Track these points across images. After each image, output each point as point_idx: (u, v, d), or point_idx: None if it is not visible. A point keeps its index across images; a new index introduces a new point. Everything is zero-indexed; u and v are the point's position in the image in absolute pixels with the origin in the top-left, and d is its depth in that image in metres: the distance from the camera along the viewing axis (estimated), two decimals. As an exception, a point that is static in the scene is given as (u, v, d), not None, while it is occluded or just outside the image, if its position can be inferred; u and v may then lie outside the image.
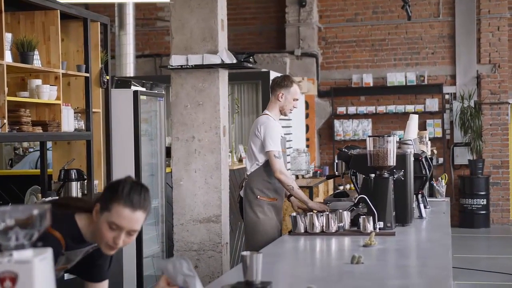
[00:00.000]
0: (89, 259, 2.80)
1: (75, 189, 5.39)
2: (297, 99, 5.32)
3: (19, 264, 1.71)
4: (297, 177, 10.47)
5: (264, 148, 5.12)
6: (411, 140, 5.18)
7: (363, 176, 4.57)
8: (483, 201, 12.19)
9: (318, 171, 11.20)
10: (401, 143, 5.11)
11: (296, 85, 5.31)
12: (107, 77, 5.91)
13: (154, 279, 6.67)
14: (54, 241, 2.56)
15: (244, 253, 2.76)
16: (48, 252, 1.78)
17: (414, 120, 5.60)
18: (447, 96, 12.68)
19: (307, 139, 12.37)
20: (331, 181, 11.32)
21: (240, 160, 8.26)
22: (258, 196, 5.19)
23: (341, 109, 12.90)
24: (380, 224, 4.28)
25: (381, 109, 12.73)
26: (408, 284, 2.98)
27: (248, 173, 5.29)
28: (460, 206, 12.36)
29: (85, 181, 5.56)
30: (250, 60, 5.94)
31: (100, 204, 2.59)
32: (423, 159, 5.06)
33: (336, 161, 5.18)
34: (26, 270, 1.71)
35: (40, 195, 5.42)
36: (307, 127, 12.41)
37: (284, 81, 5.30)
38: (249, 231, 5.25)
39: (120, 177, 2.66)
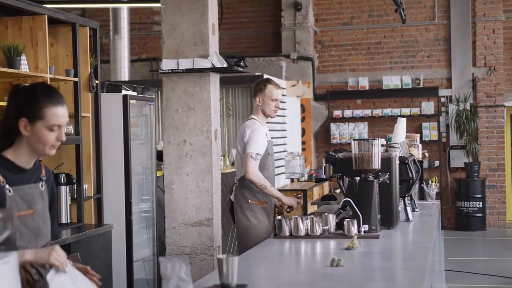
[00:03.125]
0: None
1: (64, 193, 5.40)
2: (275, 99, 5.38)
3: (-19, 267, 1.73)
4: (292, 180, 10.50)
5: None
6: (397, 143, 5.19)
7: (349, 179, 4.58)
8: (479, 204, 12.19)
9: (314, 175, 11.22)
10: (388, 146, 5.12)
11: (271, 86, 5.39)
12: (96, 82, 5.93)
13: (145, 283, 6.68)
14: None
15: (220, 256, 2.78)
16: (12, 256, 1.80)
17: (401, 124, 5.61)
18: (443, 99, 12.69)
19: (303, 143, 12.39)
20: (326, 184, 11.34)
21: (233, 164, 8.27)
22: (249, 200, 5.25)
23: (337, 113, 12.92)
24: (365, 227, 4.29)
25: (377, 112, 12.75)
26: (383, 286, 3.00)
27: (238, 178, 5.35)
28: (456, 209, 12.36)
29: (75, 185, 5.58)
30: (241, 64, 5.96)
31: (27, 119, 2.67)
32: (410, 162, 5.07)
33: (324, 164, 5.20)
34: (-12, 274, 1.73)
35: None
36: (303, 130, 12.44)
37: (258, 85, 5.42)
38: (241, 235, 5.29)
39: (23, 85, 2.78)
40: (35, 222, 2.73)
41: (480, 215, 12.23)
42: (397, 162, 4.70)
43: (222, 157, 7.98)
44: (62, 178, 5.42)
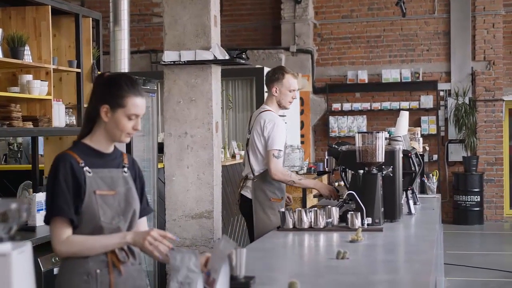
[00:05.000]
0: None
1: (66, 185, 5.39)
2: (293, 90, 5.18)
3: (-3, 257, 1.73)
4: (291, 173, 10.49)
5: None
6: (400, 136, 5.19)
7: (352, 172, 4.58)
8: (477, 198, 12.22)
9: (313, 167, 11.23)
10: (391, 139, 5.12)
11: (289, 75, 5.16)
12: (99, 73, 5.92)
13: (145, 275, 6.68)
14: (65, 154, 2.81)
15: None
16: (27, 246, 1.80)
17: (404, 117, 5.61)
18: (442, 93, 12.71)
19: (302, 135, 12.40)
20: (325, 177, 11.35)
21: (233, 156, 8.28)
22: (271, 198, 5.08)
23: (336, 106, 12.92)
24: (369, 220, 4.29)
25: (376, 105, 12.76)
26: (390, 278, 3.01)
27: (255, 173, 5.12)
28: (454, 202, 12.39)
29: (77, 176, 5.56)
30: (243, 56, 5.94)
31: (109, 105, 2.81)
32: (413, 156, 5.07)
33: (327, 157, 5.18)
34: (4, 263, 1.72)
35: (31, 190, 5.43)
36: (302, 123, 12.44)
37: (275, 74, 5.18)
38: (261, 233, 5.08)
39: (107, 74, 2.93)
40: (117, 202, 2.85)
41: (477, 209, 12.26)
42: (401, 155, 4.70)
43: (222, 150, 7.97)
44: (64, 169, 5.39)
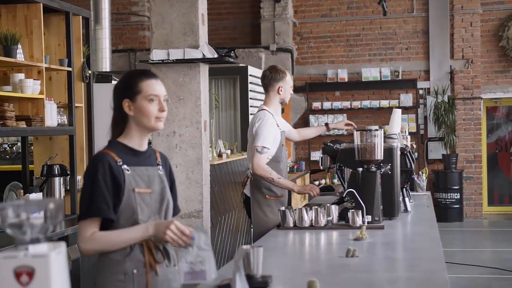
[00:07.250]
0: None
1: (58, 185, 5.32)
2: (291, 86, 5.31)
3: (35, 258, 1.70)
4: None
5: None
6: (396, 134, 5.21)
7: (351, 170, 4.58)
8: (456, 195, 12.32)
9: (295, 166, 11.25)
10: (386, 137, 5.13)
11: (288, 73, 5.31)
12: (89, 72, 5.85)
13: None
14: (103, 154, 2.80)
15: (245, 246, 2.75)
16: (62, 247, 1.76)
17: (397, 114, 5.64)
18: (421, 91, 12.79)
19: (283, 134, 12.38)
20: (307, 176, 11.38)
21: (220, 155, 8.24)
22: (267, 196, 5.11)
23: (316, 104, 12.94)
24: (368, 218, 4.29)
25: (356, 104, 12.80)
26: (404, 276, 3.00)
27: (251, 172, 5.14)
28: (434, 200, 12.45)
29: (68, 176, 5.50)
30: (231, 54, 5.92)
31: (128, 98, 2.82)
32: (408, 153, 5.09)
33: (321, 155, 5.17)
34: (43, 264, 1.69)
35: (21, 191, 5.34)
36: (283, 122, 12.42)
37: (278, 74, 5.23)
38: (259, 230, 5.05)
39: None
40: (153, 201, 2.84)
41: (457, 206, 12.36)
42: (398, 152, 4.71)
43: (210, 149, 7.93)
44: (56, 169, 5.33)
